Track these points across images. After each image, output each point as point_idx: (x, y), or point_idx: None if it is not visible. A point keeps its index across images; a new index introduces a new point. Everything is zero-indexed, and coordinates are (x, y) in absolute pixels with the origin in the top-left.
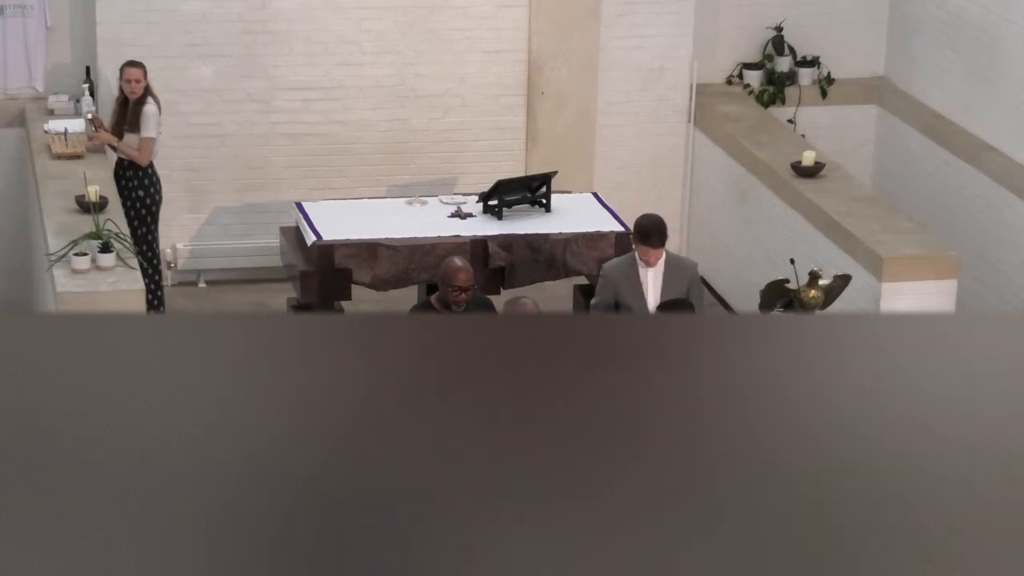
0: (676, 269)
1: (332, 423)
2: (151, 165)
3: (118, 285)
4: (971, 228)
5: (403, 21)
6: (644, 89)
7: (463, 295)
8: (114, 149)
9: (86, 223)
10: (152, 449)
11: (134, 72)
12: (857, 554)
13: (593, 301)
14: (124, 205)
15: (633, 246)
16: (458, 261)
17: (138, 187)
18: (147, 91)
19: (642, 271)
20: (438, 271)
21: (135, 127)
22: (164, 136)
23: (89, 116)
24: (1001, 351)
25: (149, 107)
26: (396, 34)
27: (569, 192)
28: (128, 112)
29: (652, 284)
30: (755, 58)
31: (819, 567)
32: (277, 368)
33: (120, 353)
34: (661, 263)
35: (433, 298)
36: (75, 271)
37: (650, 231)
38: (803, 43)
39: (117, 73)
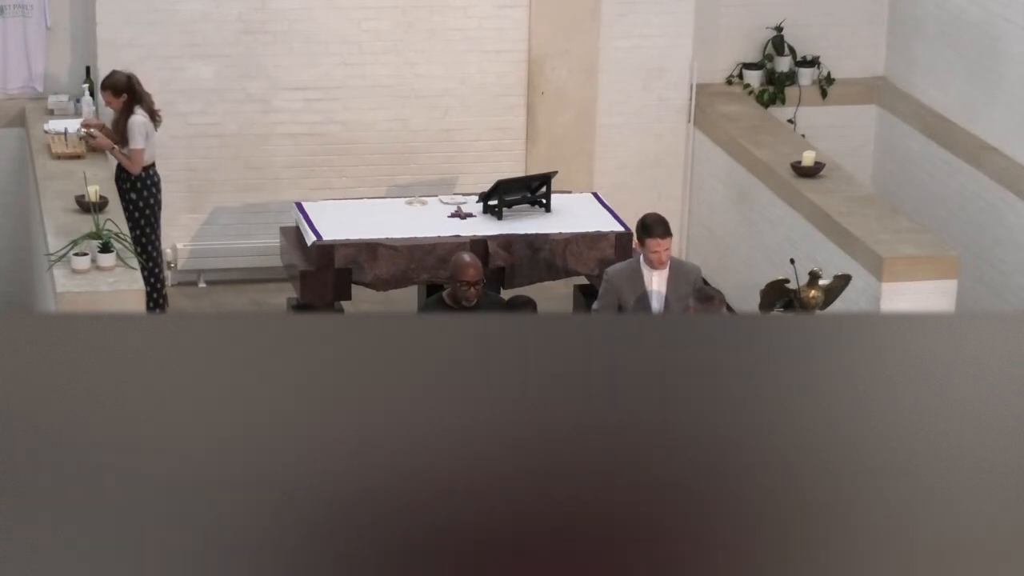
0: (680, 272)
1: (332, 423)
2: (145, 170)
3: (118, 285)
4: (971, 228)
5: (403, 21)
6: (644, 89)
7: (472, 290)
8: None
9: (86, 223)
10: (152, 448)
11: (103, 95)
12: (856, 552)
13: (595, 305)
14: (122, 207)
15: (637, 248)
16: (467, 256)
17: (130, 190)
18: (133, 101)
19: (647, 275)
20: (448, 266)
21: (124, 141)
22: (164, 136)
23: (82, 133)
24: (1001, 351)
25: (134, 118)
26: (396, 34)
27: (569, 192)
28: (117, 125)
29: (657, 287)
30: (755, 58)
31: (818, 565)
32: (277, 368)
33: (120, 353)
34: (666, 267)
35: (445, 294)
36: (75, 271)
37: (652, 223)
38: (803, 43)
39: None
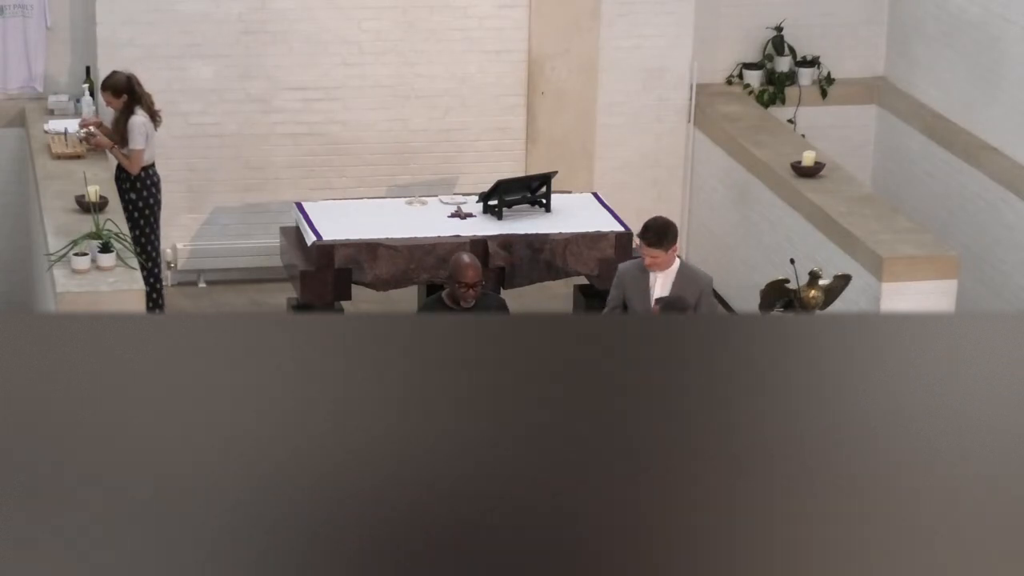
0: (688, 280)
1: (331, 423)
2: (145, 170)
3: (118, 285)
4: (971, 228)
5: (403, 21)
6: (644, 89)
7: (471, 291)
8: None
9: (86, 223)
10: (152, 448)
11: (103, 95)
12: (855, 551)
13: (608, 299)
14: (122, 207)
15: (637, 247)
16: (466, 257)
17: (129, 190)
18: (133, 101)
19: (652, 275)
20: (448, 266)
21: (124, 141)
22: (164, 136)
23: (82, 134)
24: (1001, 351)
25: (134, 118)
26: (396, 34)
27: (569, 192)
28: (117, 125)
29: (659, 289)
30: (755, 58)
31: (816, 565)
32: (277, 368)
33: (120, 353)
34: (673, 271)
35: (444, 294)
36: (75, 271)
37: (648, 227)
38: (803, 43)
39: None
